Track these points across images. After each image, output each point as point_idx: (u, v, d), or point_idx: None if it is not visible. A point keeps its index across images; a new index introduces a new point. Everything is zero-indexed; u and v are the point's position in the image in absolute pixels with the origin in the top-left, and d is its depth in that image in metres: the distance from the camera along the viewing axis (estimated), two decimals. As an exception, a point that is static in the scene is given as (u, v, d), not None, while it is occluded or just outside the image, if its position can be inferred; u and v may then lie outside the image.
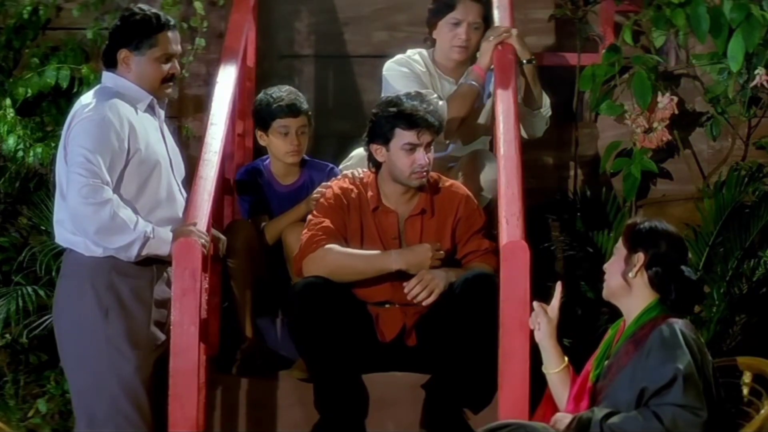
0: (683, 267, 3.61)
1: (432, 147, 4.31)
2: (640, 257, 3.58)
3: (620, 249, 3.64)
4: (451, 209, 4.35)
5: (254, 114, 4.74)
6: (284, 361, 4.38)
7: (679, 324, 3.50)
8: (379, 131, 4.29)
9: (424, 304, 4.19)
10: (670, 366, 3.40)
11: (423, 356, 4.24)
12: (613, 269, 3.64)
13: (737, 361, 3.68)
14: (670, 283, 3.57)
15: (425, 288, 4.17)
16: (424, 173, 4.28)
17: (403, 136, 4.26)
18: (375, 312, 4.31)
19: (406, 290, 4.18)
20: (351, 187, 4.40)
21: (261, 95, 4.72)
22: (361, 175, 4.43)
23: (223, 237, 4.30)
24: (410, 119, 4.24)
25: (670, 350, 3.43)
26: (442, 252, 4.24)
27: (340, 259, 4.22)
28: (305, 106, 4.68)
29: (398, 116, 4.25)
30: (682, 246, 3.67)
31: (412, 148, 4.25)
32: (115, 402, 3.93)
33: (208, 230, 4.02)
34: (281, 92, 4.67)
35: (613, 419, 3.40)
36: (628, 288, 3.59)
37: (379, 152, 4.32)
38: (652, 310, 3.57)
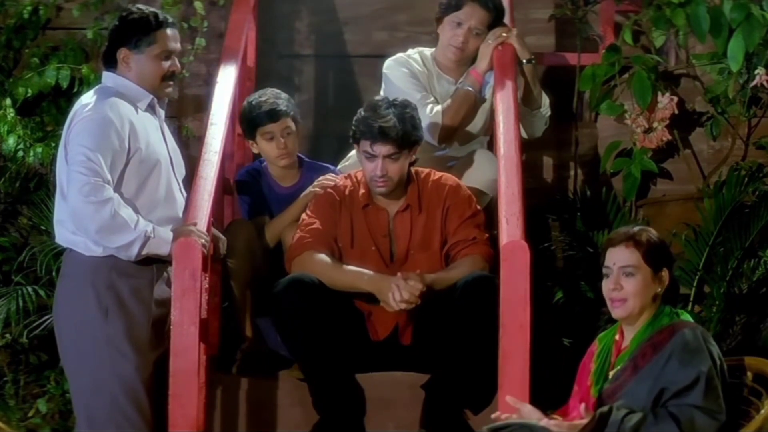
0: None
1: (398, 158, 4.26)
2: (666, 274, 3.59)
3: (641, 269, 3.56)
4: (439, 201, 4.35)
5: (240, 124, 4.73)
6: (284, 361, 4.38)
7: (700, 329, 3.52)
8: (353, 132, 4.34)
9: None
10: (693, 368, 3.41)
11: (418, 355, 4.24)
12: (640, 290, 3.56)
13: (744, 361, 3.68)
14: (673, 287, 3.62)
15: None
16: (382, 183, 4.27)
17: (362, 143, 4.29)
18: (367, 309, 4.31)
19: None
20: (346, 184, 4.42)
21: (244, 103, 4.68)
22: (359, 173, 4.44)
23: (222, 237, 4.30)
24: (369, 129, 4.25)
25: (693, 354, 3.44)
26: (417, 286, 4.14)
27: (320, 269, 4.23)
28: (284, 107, 4.60)
29: (361, 122, 4.28)
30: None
31: (370, 156, 4.27)
32: (115, 402, 3.93)
33: (208, 230, 4.02)
34: (261, 98, 4.61)
35: (628, 418, 3.39)
36: (653, 305, 3.59)
37: (357, 151, 4.35)
38: (665, 316, 3.58)
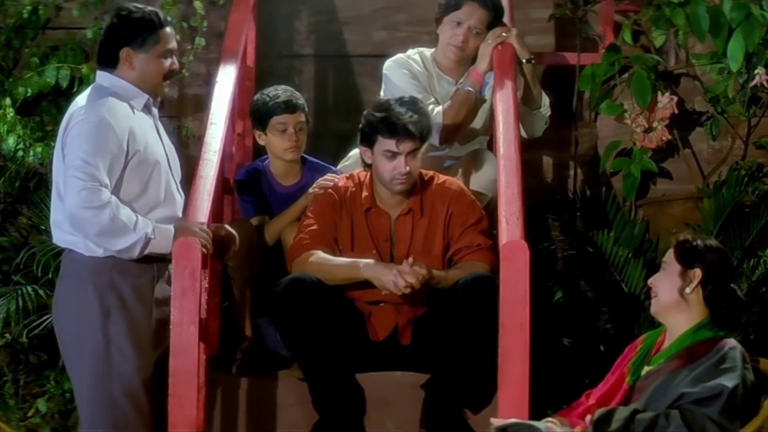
0: (733, 285, 3.62)
1: (417, 154, 4.29)
2: (697, 273, 3.58)
3: (671, 264, 3.60)
4: (443, 206, 4.35)
5: (252, 114, 4.75)
6: (284, 361, 4.38)
7: (741, 350, 3.52)
8: (366, 134, 4.33)
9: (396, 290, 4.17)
10: (719, 382, 3.41)
11: (417, 355, 4.24)
12: (665, 284, 3.60)
13: (759, 363, 3.67)
14: (723, 301, 3.58)
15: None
16: (404, 180, 4.28)
17: (384, 143, 4.28)
18: (367, 310, 4.31)
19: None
20: (348, 185, 4.42)
21: (257, 95, 4.74)
22: (361, 174, 4.44)
23: (234, 233, 4.25)
24: (391, 127, 4.25)
25: (724, 369, 3.44)
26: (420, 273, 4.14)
27: (320, 266, 4.23)
28: (301, 102, 4.69)
29: (382, 122, 4.27)
30: (731, 264, 3.71)
31: (392, 155, 4.27)
32: (114, 402, 3.92)
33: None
34: (277, 91, 4.69)
35: (639, 418, 3.39)
36: (683, 303, 3.58)
37: (366, 154, 4.35)
38: (708, 329, 3.57)
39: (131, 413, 3.93)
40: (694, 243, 3.62)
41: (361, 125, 4.36)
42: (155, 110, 4.15)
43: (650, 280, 3.68)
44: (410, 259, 4.15)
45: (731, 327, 3.61)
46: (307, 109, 4.72)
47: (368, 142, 4.32)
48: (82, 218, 3.85)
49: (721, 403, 3.39)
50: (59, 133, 4.01)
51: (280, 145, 4.66)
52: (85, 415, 3.99)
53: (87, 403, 3.97)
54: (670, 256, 3.64)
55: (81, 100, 4.01)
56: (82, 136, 3.90)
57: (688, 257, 3.60)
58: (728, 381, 3.41)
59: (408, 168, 4.26)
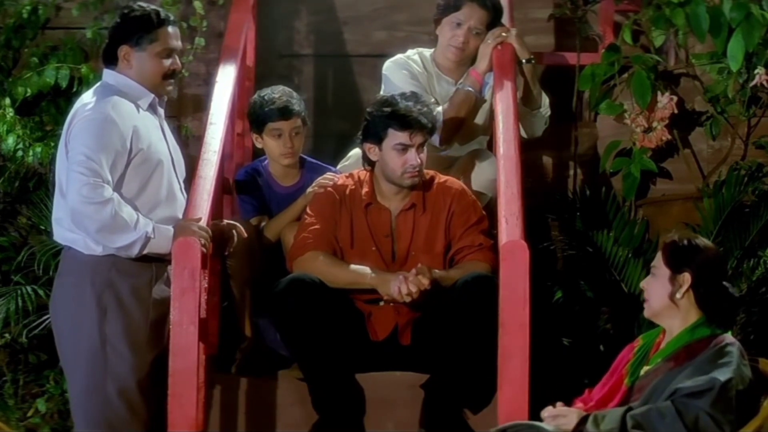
0: (725, 283, 3.60)
1: (425, 147, 4.32)
2: (686, 278, 3.57)
3: (660, 268, 3.60)
4: (444, 204, 4.36)
5: (248, 117, 4.74)
6: (284, 360, 4.38)
7: (738, 346, 3.52)
8: (373, 131, 4.32)
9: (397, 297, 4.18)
10: (712, 376, 3.41)
11: (417, 356, 4.24)
12: (655, 290, 3.60)
13: (759, 362, 3.67)
14: (716, 301, 3.57)
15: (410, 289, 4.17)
16: (416, 173, 4.29)
17: (395, 137, 4.27)
18: (367, 310, 4.31)
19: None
20: (347, 183, 4.42)
21: (254, 97, 4.71)
22: (360, 172, 4.44)
23: (234, 223, 4.26)
24: (403, 120, 4.25)
25: (719, 364, 3.45)
26: (423, 282, 4.14)
27: (322, 268, 4.24)
28: (297, 107, 4.64)
29: (391, 116, 4.27)
30: (723, 262, 3.71)
31: (404, 148, 4.27)
32: (109, 402, 3.92)
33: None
34: (274, 94, 4.64)
35: (630, 415, 3.40)
36: (675, 308, 3.58)
37: (372, 151, 4.34)
38: (706, 327, 3.57)
39: (125, 413, 3.94)
40: (681, 245, 3.60)
41: (365, 122, 4.35)
42: (161, 110, 4.15)
43: (642, 285, 3.68)
44: (413, 270, 4.15)
45: (727, 324, 3.60)
46: (304, 112, 4.67)
47: (376, 138, 4.31)
48: (83, 214, 3.86)
49: (713, 396, 3.39)
50: (63, 129, 4.01)
51: (276, 150, 4.65)
52: (78, 414, 3.99)
53: (81, 401, 3.97)
54: (659, 260, 3.62)
55: (86, 97, 4.03)
56: (86, 133, 3.90)
57: (676, 261, 3.58)
58: (721, 375, 3.41)
59: (419, 160, 4.27)
